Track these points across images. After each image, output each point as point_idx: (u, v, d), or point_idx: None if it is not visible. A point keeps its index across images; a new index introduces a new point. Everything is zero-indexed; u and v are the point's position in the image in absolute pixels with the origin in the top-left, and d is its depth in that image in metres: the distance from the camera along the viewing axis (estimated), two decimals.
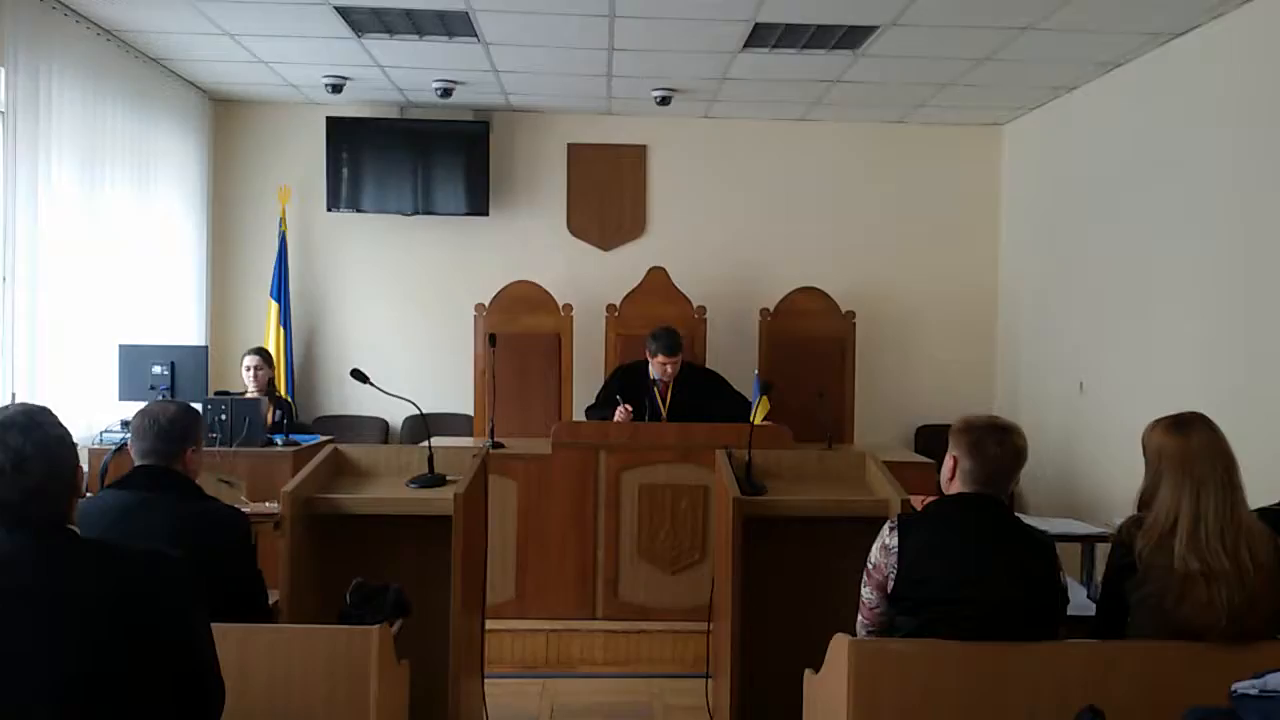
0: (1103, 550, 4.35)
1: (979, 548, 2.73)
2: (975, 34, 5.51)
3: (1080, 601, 3.55)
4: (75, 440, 2.10)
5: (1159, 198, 5.55)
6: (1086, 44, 5.61)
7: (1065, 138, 6.77)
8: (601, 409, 5.80)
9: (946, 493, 2.87)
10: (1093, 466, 6.18)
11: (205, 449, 3.16)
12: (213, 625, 2.17)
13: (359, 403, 7.32)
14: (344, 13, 5.39)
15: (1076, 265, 6.51)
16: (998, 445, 2.79)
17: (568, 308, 6.91)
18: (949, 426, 2.92)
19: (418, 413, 4.33)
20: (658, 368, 5.78)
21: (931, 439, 7.13)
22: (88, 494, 2.69)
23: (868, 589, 2.88)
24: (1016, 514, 2.97)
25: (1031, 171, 7.32)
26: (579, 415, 6.46)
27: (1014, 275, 7.55)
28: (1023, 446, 2.82)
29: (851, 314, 7.10)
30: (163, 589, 2.02)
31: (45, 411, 2.05)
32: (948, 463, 2.86)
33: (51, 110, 5.33)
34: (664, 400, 5.81)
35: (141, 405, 3.09)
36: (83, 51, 5.62)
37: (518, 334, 6.66)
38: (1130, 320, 5.82)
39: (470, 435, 6.75)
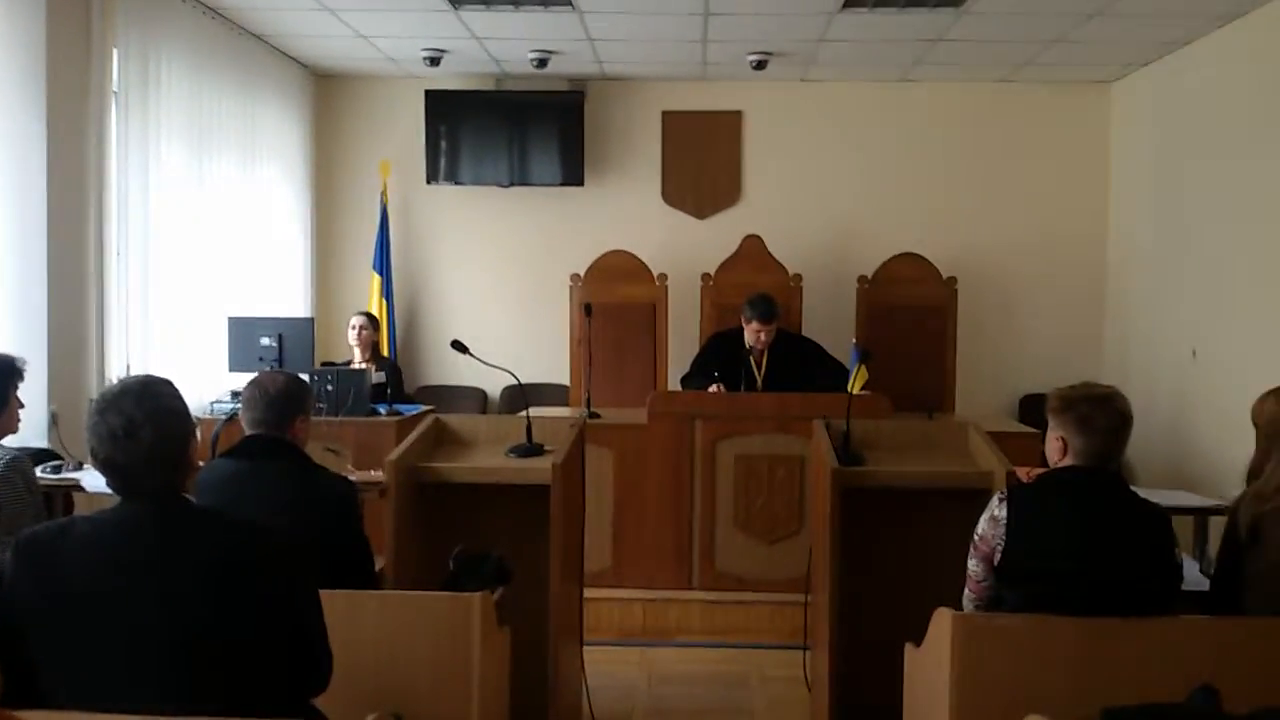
0: (1216, 523, 4.22)
1: (1091, 521, 2.65)
2: None
3: (1193, 576, 3.45)
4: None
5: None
6: None
7: (1178, 95, 6.50)
8: (697, 378, 5.79)
9: (1057, 466, 2.79)
10: (1205, 437, 5.97)
11: (313, 418, 3.24)
12: (321, 591, 2.22)
13: (459, 373, 7.42)
14: None
15: (1190, 229, 6.27)
16: (1107, 416, 2.70)
17: (663, 277, 6.89)
18: None
19: (515, 383, 4.37)
20: (752, 335, 5.73)
21: (1036, 408, 6.94)
22: (201, 464, 2.78)
23: (974, 561, 2.82)
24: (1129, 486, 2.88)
25: (1142, 131, 7.05)
26: (674, 385, 6.46)
27: (1123, 239, 7.30)
28: (1128, 410, 2.73)
29: (953, 280, 6.94)
30: (265, 559, 2.07)
31: (164, 383, 2.11)
32: (1054, 444, 2.76)
33: (161, 89, 5.48)
34: (759, 368, 5.77)
35: (251, 376, 3.17)
36: (190, 31, 5.76)
37: (613, 304, 6.66)
38: (1247, 286, 5.59)
39: (567, 405, 6.80)
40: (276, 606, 2.07)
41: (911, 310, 6.85)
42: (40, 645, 1.98)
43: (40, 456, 4.22)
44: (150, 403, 2.04)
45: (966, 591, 2.87)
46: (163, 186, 5.47)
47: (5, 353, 3.49)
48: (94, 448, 2.03)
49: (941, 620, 2.68)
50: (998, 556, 2.74)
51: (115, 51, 5.15)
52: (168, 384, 2.12)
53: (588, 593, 4.40)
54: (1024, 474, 3.44)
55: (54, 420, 4.63)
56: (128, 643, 1.96)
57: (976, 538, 2.82)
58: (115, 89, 5.17)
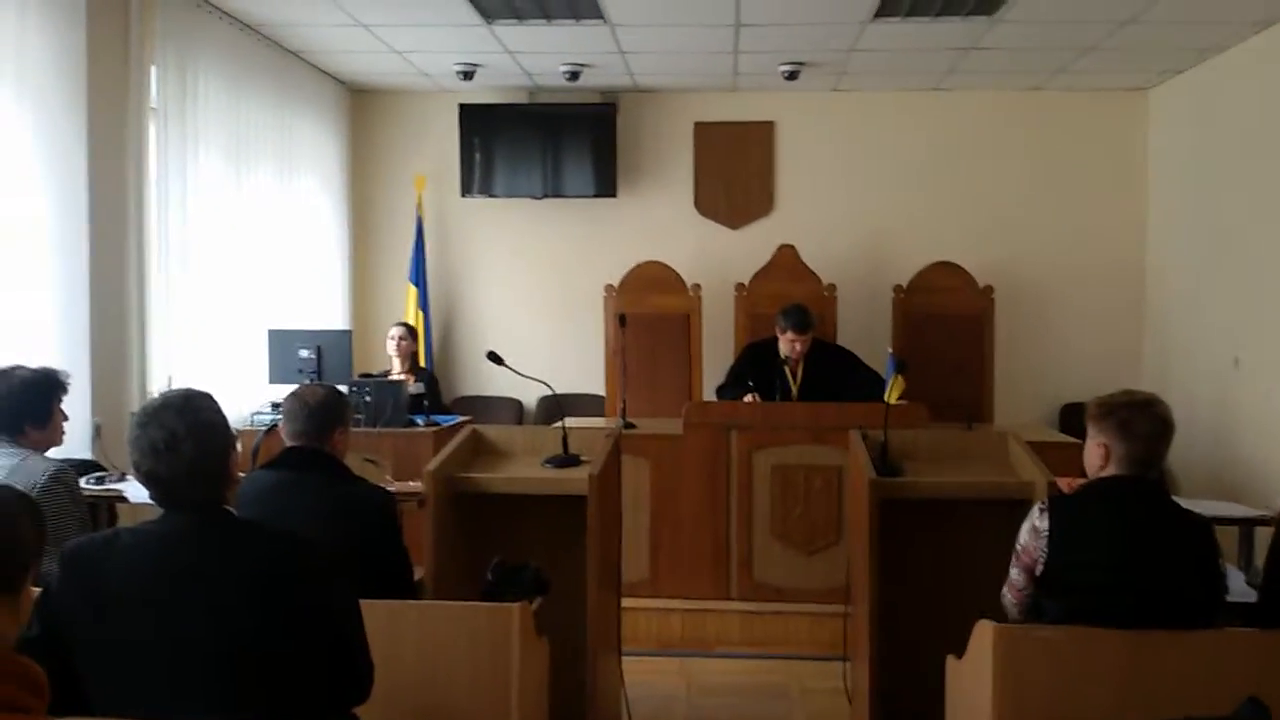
0: (1262, 534, 4.16)
1: (1133, 532, 2.62)
2: None
3: (1239, 588, 3.40)
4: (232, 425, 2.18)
5: None
6: (1237, 2, 5.31)
7: (1216, 102, 6.43)
8: (732, 388, 5.78)
9: (1099, 477, 2.75)
10: (1250, 446, 5.89)
11: (351, 430, 3.26)
12: (361, 601, 2.23)
13: (494, 383, 7.46)
14: (473, 0, 5.46)
15: (1231, 236, 6.19)
16: (1149, 421, 2.67)
17: (696, 287, 6.89)
18: None
19: (551, 394, 4.38)
20: (786, 345, 5.71)
21: (1077, 418, 6.85)
22: (241, 475, 2.80)
23: (1015, 570, 2.81)
24: (1171, 496, 2.84)
25: (1180, 138, 6.98)
26: (709, 395, 6.45)
27: (1162, 246, 7.22)
28: (1169, 416, 2.71)
29: (990, 289, 6.90)
30: (306, 570, 2.09)
31: (204, 396, 2.14)
32: (1094, 451, 2.73)
33: (199, 105, 5.54)
34: (794, 378, 5.75)
35: (290, 388, 3.20)
36: (227, 47, 5.84)
37: (647, 314, 6.67)
38: None
39: (602, 415, 6.80)
40: (318, 617, 2.08)
41: (948, 319, 6.81)
42: (85, 655, 2.00)
43: (84, 468, 4.27)
44: (191, 416, 2.06)
45: (1006, 592, 2.85)
46: (202, 201, 5.53)
47: (48, 367, 3.53)
48: (136, 461, 2.06)
49: (983, 632, 2.66)
50: (1039, 568, 2.72)
51: (154, 69, 5.20)
52: (208, 397, 2.14)
53: (626, 603, 4.39)
54: (1066, 485, 3.41)
55: (97, 432, 4.69)
56: (171, 653, 1.98)
57: (1018, 547, 2.80)
58: (154, 105, 5.23)
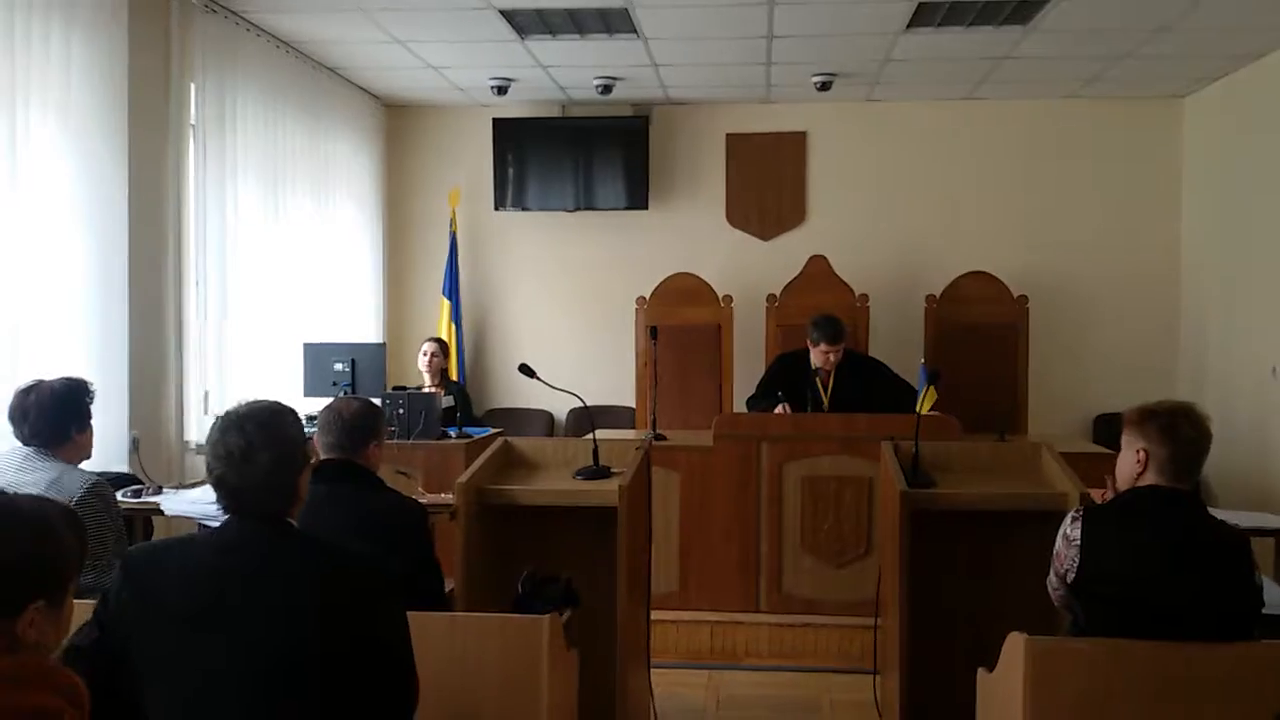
0: None
1: (1167, 544, 2.60)
2: (1153, 2, 5.24)
3: (1275, 600, 3.35)
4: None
5: None
6: (1275, 7, 5.26)
7: (1253, 109, 6.36)
8: (762, 399, 5.77)
9: (1134, 487, 2.73)
10: None
11: (385, 442, 3.30)
12: None
13: (526, 395, 7.49)
14: (508, 15, 5.51)
15: (1267, 244, 6.12)
16: (1192, 426, 2.66)
17: (728, 299, 6.90)
18: None
19: (582, 405, 4.41)
20: (819, 356, 5.69)
21: (1111, 429, 6.81)
22: None
23: (1052, 571, 2.81)
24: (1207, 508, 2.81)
25: (1216, 145, 6.91)
26: (740, 406, 6.45)
27: (1198, 255, 7.14)
28: (1208, 425, 2.70)
29: (1024, 298, 6.85)
30: (366, 584, 2.11)
31: (289, 412, 2.17)
32: (1133, 456, 2.70)
33: (237, 122, 5.62)
34: (826, 389, 5.72)
35: (325, 401, 3.24)
36: (264, 64, 5.92)
37: (678, 326, 6.68)
38: None
39: (632, 427, 6.82)
40: (374, 630, 2.10)
41: (981, 329, 6.76)
42: (142, 661, 2.02)
43: (121, 481, 4.33)
44: (271, 429, 2.09)
45: (1048, 584, 2.84)
46: (239, 217, 5.61)
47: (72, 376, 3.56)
48: (210, 464, 2.09)
49: (1015, 645, 2.64)
50: (1071, 576, 2.70)
51: (192, 86, 5.30)
52: (292, 413, 2.17)
53: (655, 614, 4.39)
54: (1099, 496, 3.39)
55: (135, 445, 4.76)
56: (227, 661, 1.99)
57: (1054, 551, 2.79)
58: (193, 123, 5.32)
